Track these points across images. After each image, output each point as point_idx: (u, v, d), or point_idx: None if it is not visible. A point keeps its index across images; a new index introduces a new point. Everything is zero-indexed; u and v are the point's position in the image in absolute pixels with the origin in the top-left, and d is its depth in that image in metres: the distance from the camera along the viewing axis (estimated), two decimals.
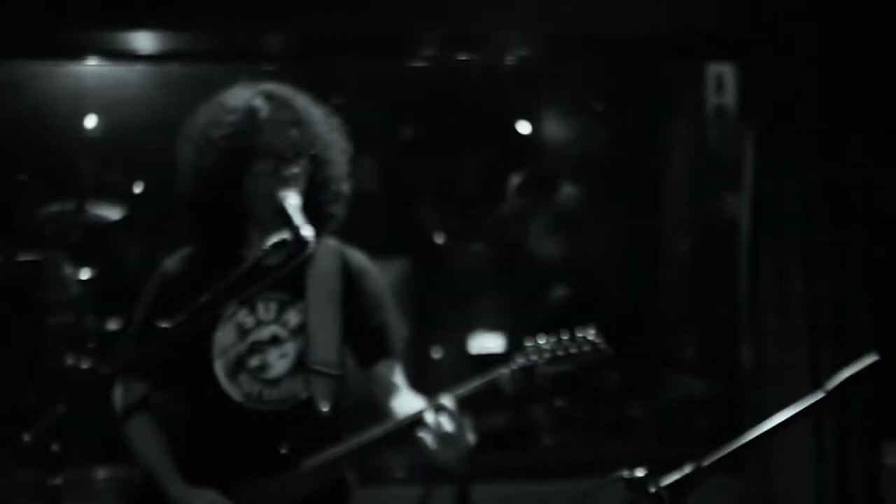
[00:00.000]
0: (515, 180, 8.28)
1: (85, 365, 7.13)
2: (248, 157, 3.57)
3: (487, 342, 7.73)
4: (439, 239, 7.77)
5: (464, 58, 6.61)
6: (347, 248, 3.83)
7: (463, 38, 6.30)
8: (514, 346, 7.43)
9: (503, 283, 8.12)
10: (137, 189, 8.14)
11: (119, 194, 7.85)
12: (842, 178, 5.65)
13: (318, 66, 6.51)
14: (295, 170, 3.58)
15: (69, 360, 7.15)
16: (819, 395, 2.48)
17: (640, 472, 2.26)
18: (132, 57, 6.36)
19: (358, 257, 3.83)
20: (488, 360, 7.03)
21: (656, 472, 2.29)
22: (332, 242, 3.77)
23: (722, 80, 7.66)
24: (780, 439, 5.56)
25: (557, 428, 6.94)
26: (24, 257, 7.15)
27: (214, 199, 3.61)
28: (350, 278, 3.76)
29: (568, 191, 8.23)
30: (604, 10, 5.85)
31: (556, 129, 8.58)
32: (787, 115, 5.68)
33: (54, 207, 7.49)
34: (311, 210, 3.55)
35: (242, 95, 3.69)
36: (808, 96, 5.65)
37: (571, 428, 7.04)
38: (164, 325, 3.25)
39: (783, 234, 5.68)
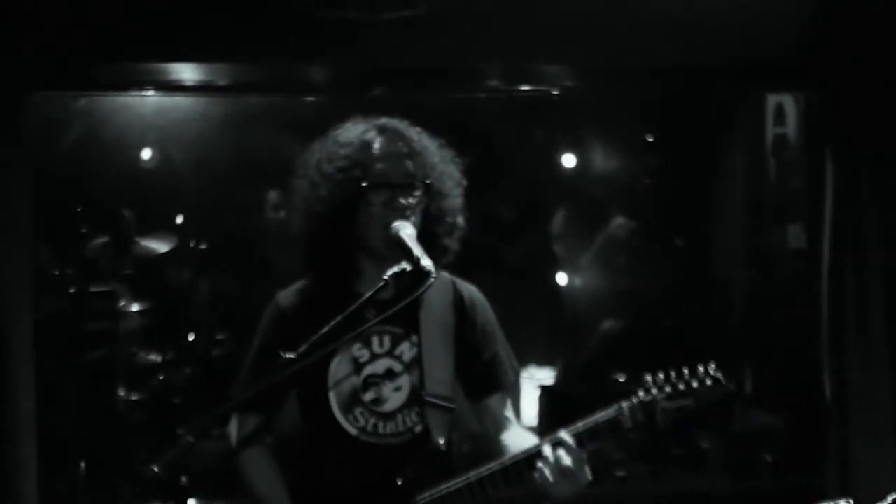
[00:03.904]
0: (565, 211, 8.28)
1: (137, 396, 7.16)
2: (363, 188, 3.56)
3: (539, 374, 7.70)
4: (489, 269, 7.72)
5: (517, 90, 6.56)
6: (458, 280, 3.81)
7: (516, 70, 6.26)
8: (566, 377, 7.56)
9: (554, 315, 8.09)
10: (179, 220, 8.13)
11: (167, 226, 7.89)
12: None
13: (368, 98, 6.47)
14: (410, 200, 3.57)
15: (122, 392, 7.17)
16: None
17: (843, 502, 2.23)
18: (183, 88, 6.32)
19: (469, 290, 3.81)
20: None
21: None
22: (443, 274, 3.73)
23: (782, 109, 7.65)
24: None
25: (629, 460, 6.89)
26: (94, 289, 7.15)
27: (329, 232, 3.60)
28: (462, 311, 3.74)
29: (619, 221, 8.20)
30: (666, 41, 5.78)
31: (608, 159, 8.56)
32: (866, 143, 5.63)
33: (103, 239, 7.53)
34: (427, 242, 3.52)
35: (356, 130, 3.70)
36: (887, 122, 5.61)
37: (643, 460, 6.98)
38: (285, 355, 3.23)
39: (865, 263, 5.62)
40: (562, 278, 8.26)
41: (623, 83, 6.47)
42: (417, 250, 3.41)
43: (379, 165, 3.59)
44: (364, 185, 3.56)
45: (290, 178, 3.75)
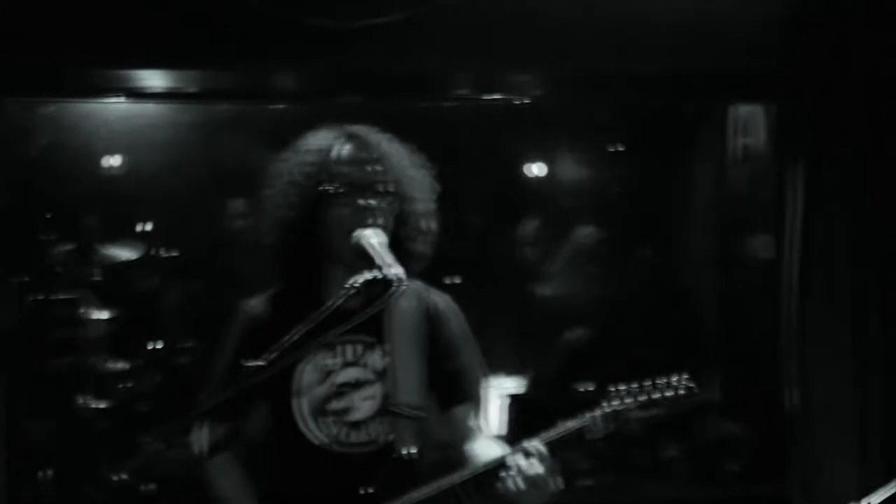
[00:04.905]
0: (534, 219, 8.29)
1: (103, 404, 7.11)
2: (327, 192, 3.55)
3: (507, 383, 7.69)
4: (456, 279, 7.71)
5: (488, 98, 6.58)
6: (431, 289, 3.80)
7: (486, 78, 6.28)
8: (534, 386, 7.55)
9: (522, 323, 8.10)
10: (146, 227, 8.09)
11: (134, 233, 7.86)
12: (889, 215, 5.64)
13: (338, 106, 6.48)
14: (376, 202, 3.55)
15: (89, 400, 7.13)
16: None
17: None
18: (152, 95, 6.30)
19: (439, 299, 3.80)
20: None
21: None
22: (415, 283, 3.73)
23: (750, 119, 7.68)
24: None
25: (596, 469, 6.89)
26: (60, 296, 7.11)
27: (296, 239, 3.60)
28: (433, 320, 3.73)
29: (586, 230, 8.22)
30: (635, 51, 5.81)
31: (577, 168, 8.59)
32: (833, 154, 5.67)
33: (69, 246, 7.48)
34: (399, 247, 3.53)
35: (322, 137, 3.70)
36: (852, 133, 5.65)
37: (608, 469, 6.99)
38: (251, 363, 3.22)
39: (832, 274, 5.66)
40: (530, 286, 8.26)
41: (592, 93, 6.50)
42: (384, 258, 3.39)
43: (343, 169, 3.58)
44: (329, 188, 3.56)
45: (260, 189, 3.74)
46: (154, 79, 6.04)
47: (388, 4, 5.52)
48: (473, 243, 8.11)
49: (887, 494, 2.43)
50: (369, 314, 3.35)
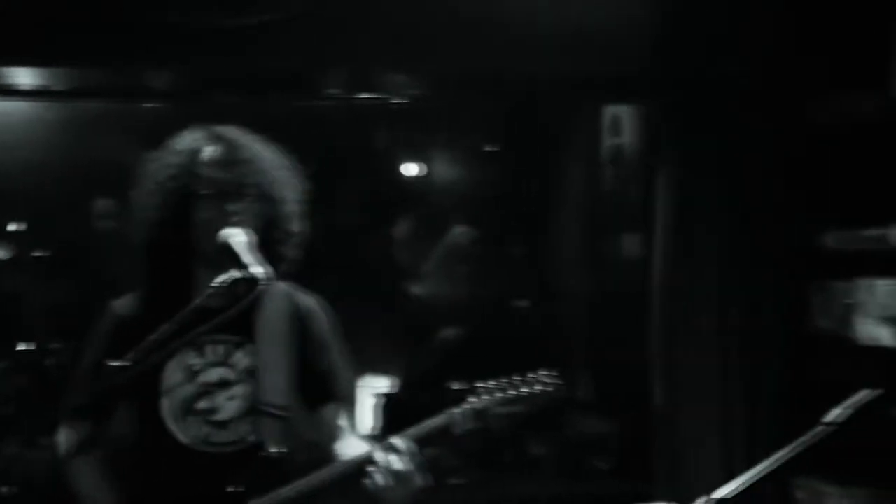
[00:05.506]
0: (407, 219, 8.32)
1: None
2: (192, 195, 3.55)
3: (376, 382, 7.71)
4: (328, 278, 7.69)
5: (361, 97, 6.59)
6: (297, 290, 3.81)
7: (360, 78, 6.29)
8: (405, 387, 7.58)
9: (393, 323, 8.12)
10: (12, 227, 7.96)
11: (2, 233, 7.73)
12: (755, 215, 5.76)
13: (212, 104, 6.44)
14: (240, 205, 3.55)
15: None
16: (819, 429, 2.54)
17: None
18: (18, 93, 6.21)
19: (307, 300, 3.81)
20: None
21: None
22: (282, 285, 3.74)
23: (618, 121, 7.78)
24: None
25: (464, 467, 6.93)
26: None
27: (162, 240, 3.59)
28: (299, 321, 3.74)
29: (459, 230, 8.27)
30: (508, 52, 5.87)
31: (450, 168, 8.64)
32: (700, 154, 5.78)
33: None
34: (264, 249, 3.52)
35: (189, 139, 3.70)
36: (718, 135, 5.77)
37: (476, 466, 7.03)
38: (113, 364, 3.21)
39: (697, 273, 5.76)
40: (403, 286, 8.29)
41: (467, 93, 6.54)
42: (247, 257, 3.40)
43: (207, 172, 3.59)
44: (192, 191, 3.55)
45: (129, 189, 3.73)
46: (22, 76, 5.95)
47: (263, 4, 5.51)
48: (346, 243, 8.10)
49: (732, 489, 2.49)
50: (231, 314, 3.35)
